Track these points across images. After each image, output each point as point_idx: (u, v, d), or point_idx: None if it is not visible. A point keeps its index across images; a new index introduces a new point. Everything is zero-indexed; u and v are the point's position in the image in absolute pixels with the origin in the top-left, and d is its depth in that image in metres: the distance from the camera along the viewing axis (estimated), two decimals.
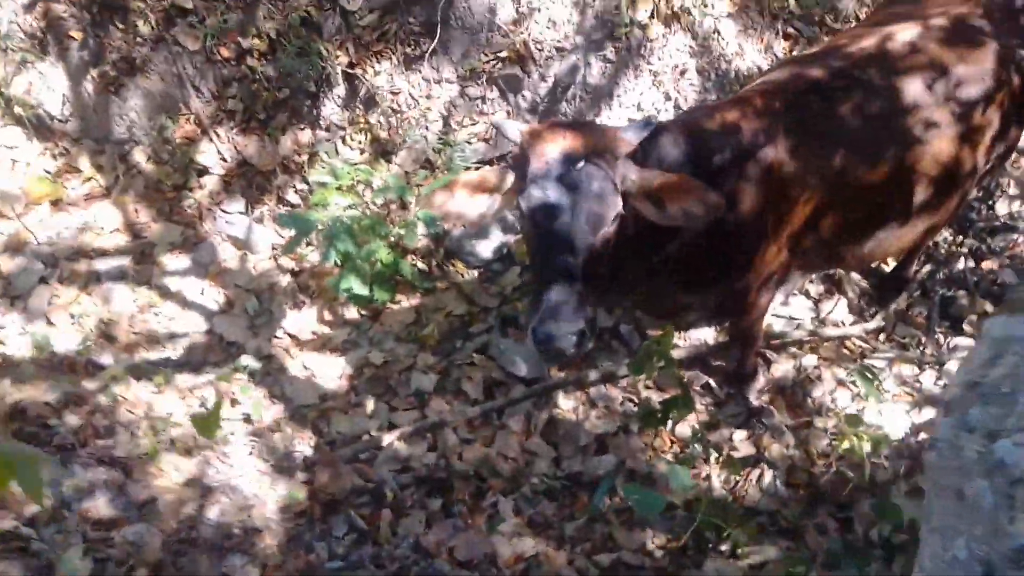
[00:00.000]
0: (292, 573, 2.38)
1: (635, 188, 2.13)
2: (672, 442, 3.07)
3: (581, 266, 2.02)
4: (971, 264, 3.59)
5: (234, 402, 3.08)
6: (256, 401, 3.09)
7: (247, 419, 3.01)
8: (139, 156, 3.87)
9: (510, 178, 2.23)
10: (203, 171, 3.86)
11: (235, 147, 3.84)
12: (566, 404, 3.19)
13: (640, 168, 2.16)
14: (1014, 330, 1.79)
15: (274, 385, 3.27)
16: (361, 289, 3.27)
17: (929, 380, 3.19)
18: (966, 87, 2.52)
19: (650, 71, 3.95)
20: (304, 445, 3.00)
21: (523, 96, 3.83)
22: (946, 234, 3.70)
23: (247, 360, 3.14)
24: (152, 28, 3.68)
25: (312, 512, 2.70)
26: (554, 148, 2.07)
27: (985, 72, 2.55)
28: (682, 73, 4.00)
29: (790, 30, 4.28)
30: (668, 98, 3.98)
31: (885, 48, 2.56)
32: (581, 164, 2.02)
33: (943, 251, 3.67)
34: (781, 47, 4.24)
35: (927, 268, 3.60)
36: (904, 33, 2.60)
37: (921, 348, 3.33)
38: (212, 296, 3.69)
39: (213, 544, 2.42)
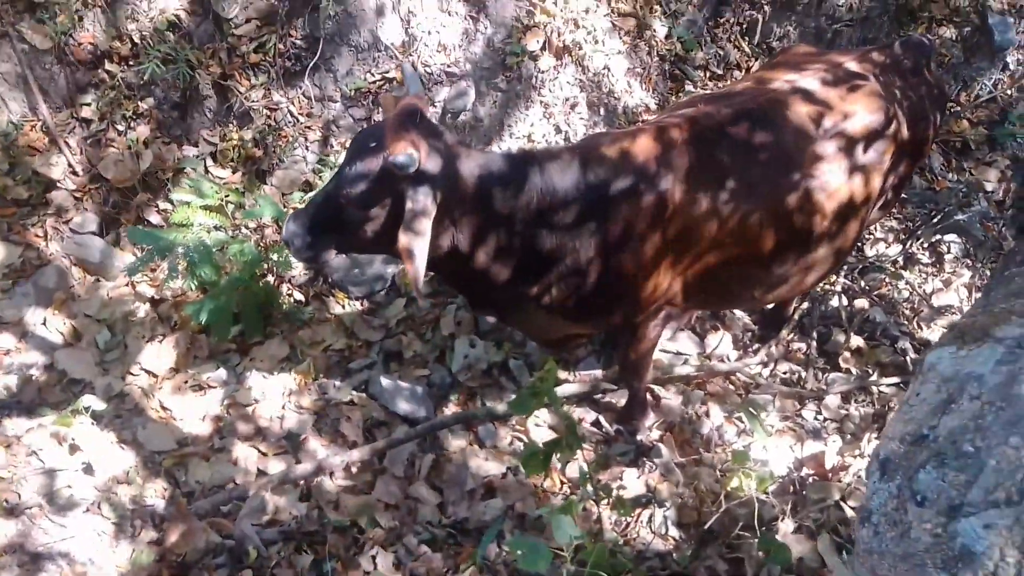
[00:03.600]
0: None
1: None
2: (563, 483, 2.95)
3: (324, 210, 2.29)
4: (844, 302, 3.73)
5: (73, 449, 2.69)
6: (100, 448, 2.72)
7: (87, 469, 2.63)
8: None
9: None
10: (50, 185, 3.46)
11: (89, 160, 3.47)
12: (453, 445, 3.01)
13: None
14: (969, 366, 1.30)
15: (124, 429, 2.92)
16: (222, 322, 2.97)
17: (810, 414, 3.25)
18: (858, 123, 2.57)
19: (541, 102, 3.90)
20: (156, 498, 2.66)
21: None
22: None
23: (90, 400, 2.76)
24: None
25: None
26: (395, 114, 2.23)
27: (875, 109, 2.61)
28: (572, 107, 3.98)
29: (676, 72, 4.38)
30: (559, 131, 3.95)
31: (783, 93, 2.59)
32: (406, 153, 2.11)
33: (819, 289, 3.80)
34: (667, 87, 4.32)
35: (804, 305, 3.71)
36: (802, 81, 2.64)
37: (801, 383, 3.40)
38: (55, 326, 3.30)
39: None
